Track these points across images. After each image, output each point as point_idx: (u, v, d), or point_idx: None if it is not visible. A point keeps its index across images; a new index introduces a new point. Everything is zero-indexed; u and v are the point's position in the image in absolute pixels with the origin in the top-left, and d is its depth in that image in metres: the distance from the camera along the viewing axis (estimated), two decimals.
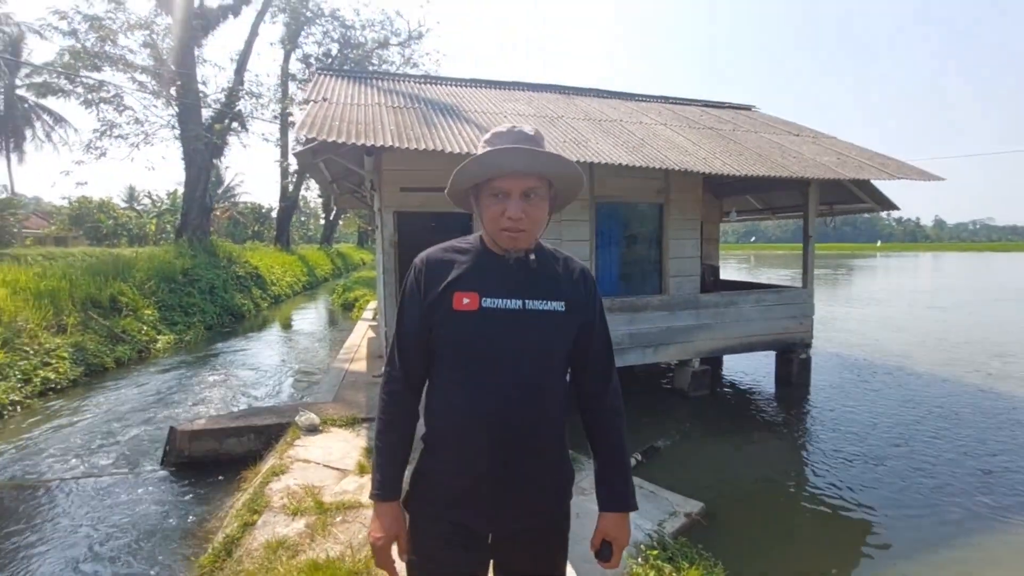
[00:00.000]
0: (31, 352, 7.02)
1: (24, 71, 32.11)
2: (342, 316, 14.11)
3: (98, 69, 13.34)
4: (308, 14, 21.34)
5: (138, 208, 43.84)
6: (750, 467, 4.92)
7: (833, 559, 3.51)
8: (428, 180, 5.51)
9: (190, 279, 12.28)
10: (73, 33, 12.73)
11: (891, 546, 3.61)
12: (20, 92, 32.18)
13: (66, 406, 6.33)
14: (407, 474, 1.30)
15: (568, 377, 1.32)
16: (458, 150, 4.76)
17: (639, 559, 2.97)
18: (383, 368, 1.30)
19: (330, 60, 23.13)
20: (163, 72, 14.42)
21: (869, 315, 13.99)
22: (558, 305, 1.23)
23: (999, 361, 8.73)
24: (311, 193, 32.07)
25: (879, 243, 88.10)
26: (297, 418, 4.32)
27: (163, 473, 4.40)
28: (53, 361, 7.15)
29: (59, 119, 34.20)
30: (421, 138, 4.93)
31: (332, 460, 3.70)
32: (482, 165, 1.17)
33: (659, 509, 3.87)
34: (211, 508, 3.79)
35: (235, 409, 5.91)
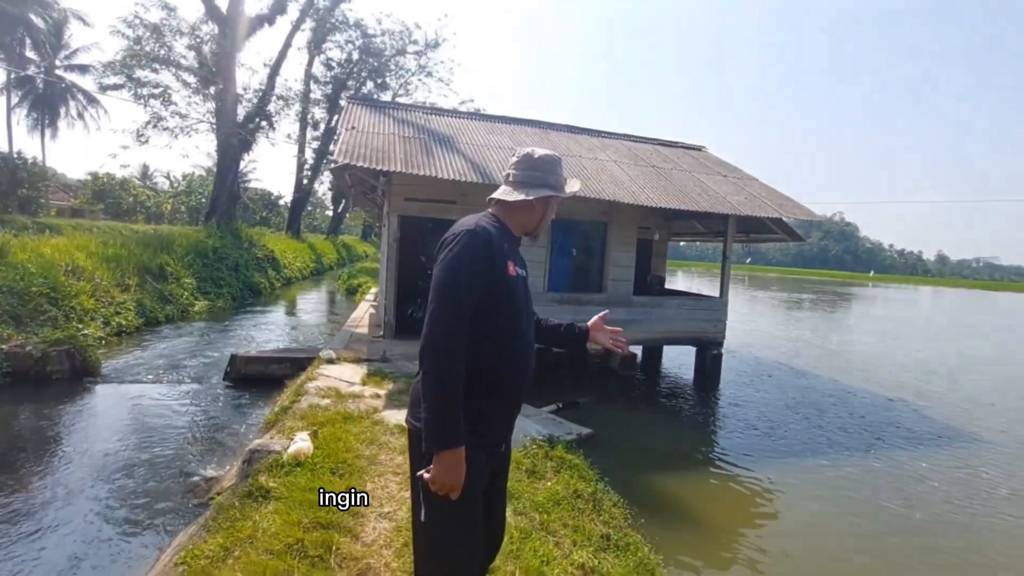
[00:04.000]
0: (107, 303, 8.98)
1: (63, 53, 34.27)
2: (346, 299, 16.13)
3: (155, 71, 15.43)
4: (334, 22, 23.34)
5: (150, 186, 46.18)
6: (645, 423, 6.70)
7: (676, 482, 5.21)
8: (426, 193, 7.51)
9: (219, 256, 14.28)
10: (138, 40, 14.86)
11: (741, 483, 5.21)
12: (59, 72, 34.21)
13: (138, 344, 8.32)
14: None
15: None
16: (448, 176, 6.72)
17: (532, 445, 4.86)
18: (434, 322, 1.37)
19: (351, 65, 25.18)
20: (205, 73, 16.46)
21: (808, 337, 15.93)
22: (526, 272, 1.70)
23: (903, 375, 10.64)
24: (322, 186, 34.19)
25: (872, 273, 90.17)
26: (321, 352, 6.28)
27: (225, 384, 6.37)
28: (122, 311, 9.12)
29: (92, 99, 36.25)
30: (422, 166, 6.90)
31: (344, 377, 5.64)
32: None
33: (559, 429, 5.77)
34: (262, 403, 5.75)
35: (275, 347, 7.93)
